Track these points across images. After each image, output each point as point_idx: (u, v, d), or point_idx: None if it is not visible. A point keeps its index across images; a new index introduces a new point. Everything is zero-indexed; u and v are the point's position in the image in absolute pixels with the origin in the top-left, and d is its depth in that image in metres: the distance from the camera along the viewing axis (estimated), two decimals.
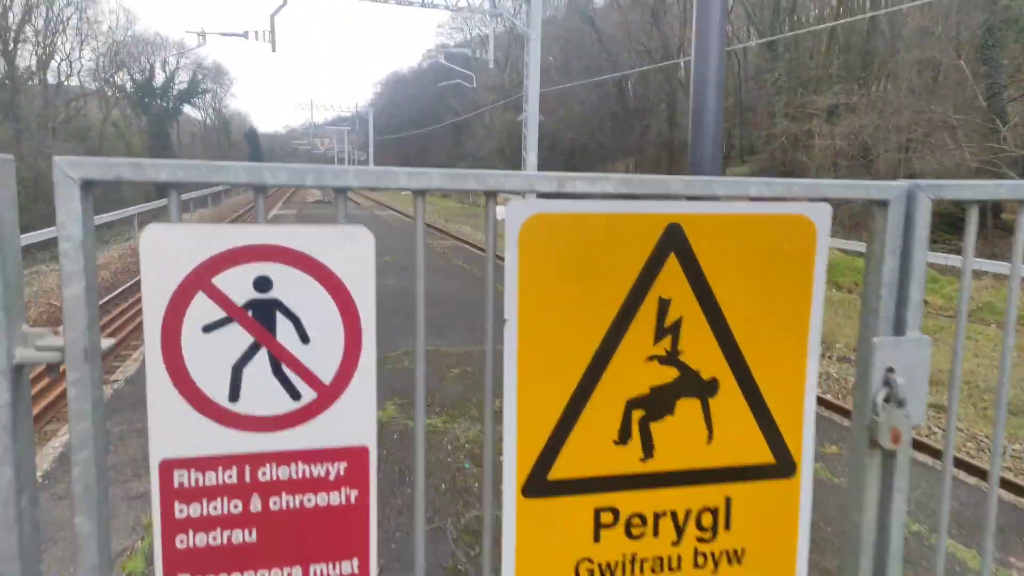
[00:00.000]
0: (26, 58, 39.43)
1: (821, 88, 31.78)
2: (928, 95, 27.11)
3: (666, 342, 1.39)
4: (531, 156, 26.30)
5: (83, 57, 48.50)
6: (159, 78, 61.37)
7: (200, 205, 38.90)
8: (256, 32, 24.24)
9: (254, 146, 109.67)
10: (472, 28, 68.95)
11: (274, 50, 24.41)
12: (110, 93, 50.38)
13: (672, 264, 1.37)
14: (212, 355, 1.21)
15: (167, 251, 1.18)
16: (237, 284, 1.21)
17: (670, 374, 1.39)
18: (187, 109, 72.46)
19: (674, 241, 1.36)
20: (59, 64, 43.97)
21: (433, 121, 67.25)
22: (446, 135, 67.05)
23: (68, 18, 42.56)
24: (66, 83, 43.47)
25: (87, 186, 1.14)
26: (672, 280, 1.37)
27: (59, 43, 43.18)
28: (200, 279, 1.19)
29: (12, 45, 33.33)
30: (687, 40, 37.38)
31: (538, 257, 1.32)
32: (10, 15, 34.43)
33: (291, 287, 1.23)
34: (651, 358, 1.38)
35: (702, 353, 1.40)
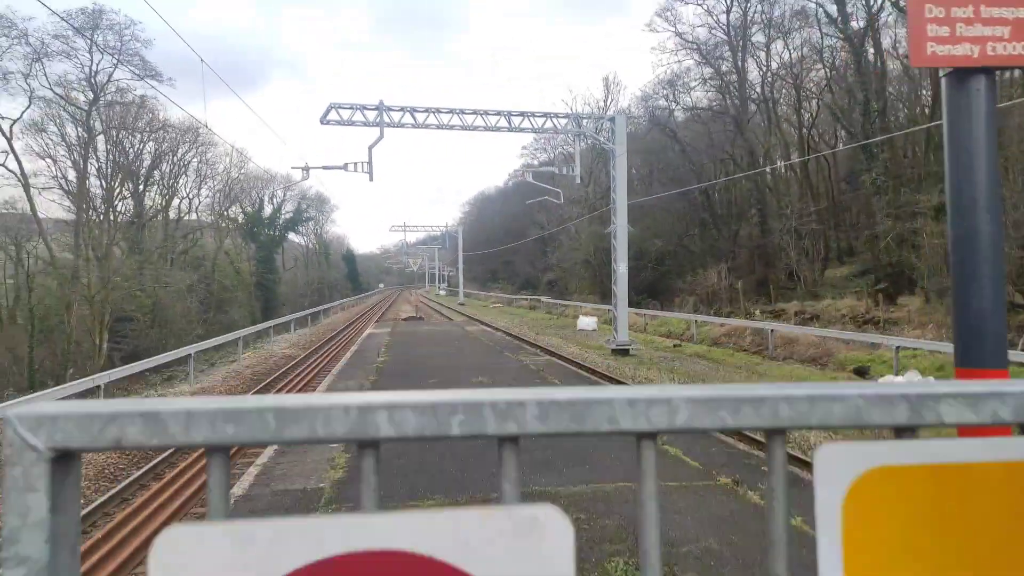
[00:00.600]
0: (152, 198, 43.59)
1: (924, 187, 30.26)
2: None
3: None
4: (621, 266, 25.86)
5: (201, 194, 52.60)
6: (267, 209, 66.56)
7: (300, 324, 40.30)
8: (355, 164, 25.66)
9: (351, 266, 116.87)
10: (555, 147, 71.96)
11: (371, 179, 25.65)
12: (223, 225, 54.43)
13: None
14: None
15: (199, 573, 0.62)
16: None
17: None
18: (291, 236, 77.87)
19: None
20: (180, 202, 47.91)
21: (519, 236, 69.36)
22: (531, 248, 68.56)
23: (189, 162, 46.90)
24: (185, 218, 47.38)
25: (63, 461, 0.62)
26: None
27: (181, 184, 47.38)
28: None
29: (142, 187, 36.88)
30: (772, 146, 36.91)
31: (884, 545, 0.68)
32: (141, 162, 38.48)
33: None
34: None
35: None
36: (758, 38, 38.55)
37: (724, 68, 39.05)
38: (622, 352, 24.49)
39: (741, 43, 37.53)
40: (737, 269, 36.78)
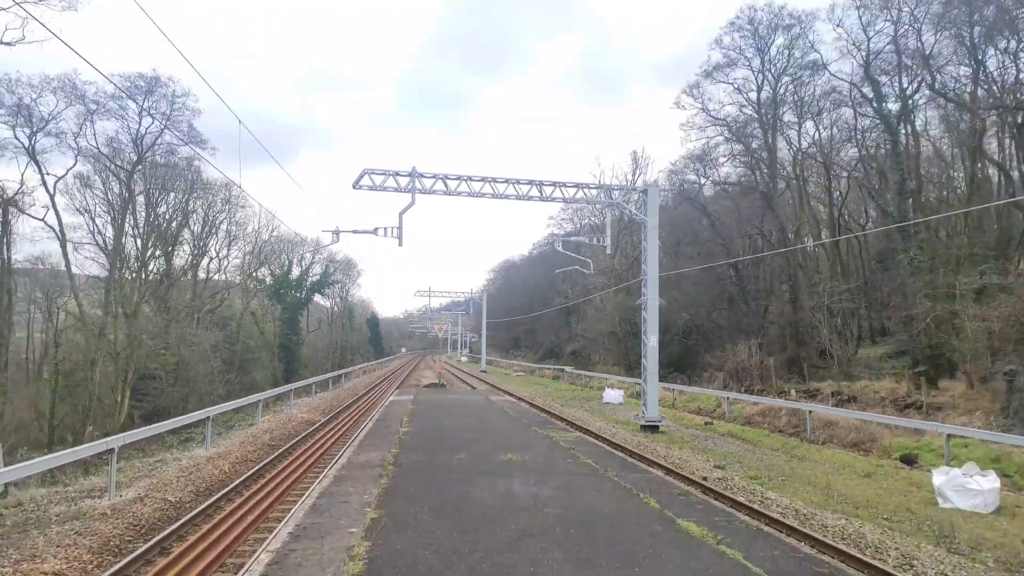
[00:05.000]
0: (183, 257, 44.69)
1: (963, 268, 29.57)
2: None
3: None
4: (652, 339, 25.27)
5: (231, 255, 54.07)
6: (295, 272, 68.09)
7: (322, 388, 39.70)
8: (385, 229, 25.75)
9: (374, 330, 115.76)
10: (582, 218, 72.80)
11: (400, 244, 25.65)
12: (251, 286, 54.58)
13: None
14: None
15: None
16: None
17: None
18: (317, 298, 78.76)
19: None
20: (209, 262, 49.29)
21: (543, 305, 69.97)
22: (556, 317, 69.21)
23: (220, 222, 48.12)
24: (213, 277, 48.09)
25: None
26: None
27: (211, 244, 48.68)
28: None
29: (171, 247, 37.51)
30: (804, 222, 36.47)
31: None
32: (174, 220, 39.42)
33: None
34: None
35: None
36: (788, 117, 38.86)
37: (754, 145, 39.25)
38: (651, 428, 23.73)
39: (772, 121, 37.81)
40: (768, 346, 35.88)
